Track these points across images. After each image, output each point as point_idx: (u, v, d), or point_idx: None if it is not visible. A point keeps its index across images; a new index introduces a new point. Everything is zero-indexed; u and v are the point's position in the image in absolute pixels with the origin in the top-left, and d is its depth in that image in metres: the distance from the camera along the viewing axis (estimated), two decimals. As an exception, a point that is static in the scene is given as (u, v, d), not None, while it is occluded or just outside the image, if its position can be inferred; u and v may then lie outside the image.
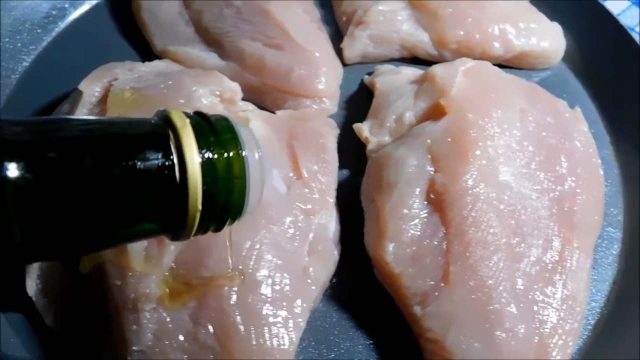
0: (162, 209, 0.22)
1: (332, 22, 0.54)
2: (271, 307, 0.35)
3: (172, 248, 0.35)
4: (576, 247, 0.39)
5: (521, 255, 0.38)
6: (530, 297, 0.37)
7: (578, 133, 0.45)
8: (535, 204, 0.40)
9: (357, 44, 0.49)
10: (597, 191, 0.43)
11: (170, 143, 0.22)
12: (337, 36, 0.52)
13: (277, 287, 0.36)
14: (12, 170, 0.19)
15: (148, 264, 0.35)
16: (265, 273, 0.35)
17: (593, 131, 0.47)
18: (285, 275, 0.36)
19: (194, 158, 0.22)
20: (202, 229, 0.24)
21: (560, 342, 0.36)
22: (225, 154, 0.23)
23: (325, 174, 0.41)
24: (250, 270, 0.35)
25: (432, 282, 0.36)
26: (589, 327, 0.39)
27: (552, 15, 0.52)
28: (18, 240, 0.20)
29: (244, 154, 0.24)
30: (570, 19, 0.53)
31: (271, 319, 0.35)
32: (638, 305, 0.39)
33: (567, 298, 0.38)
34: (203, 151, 0.23)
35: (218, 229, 0.24)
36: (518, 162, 0.41)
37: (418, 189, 0.39)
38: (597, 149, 0.45)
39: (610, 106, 0.49)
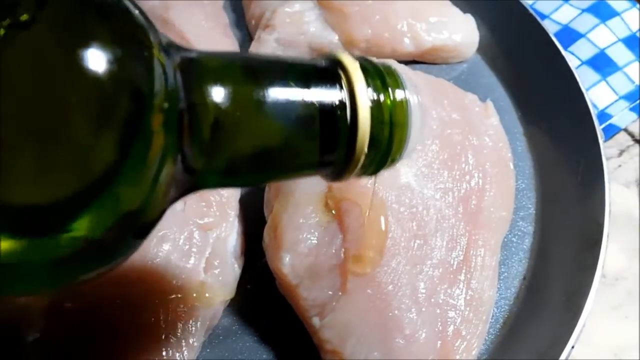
0: (329, 148, 0.23)
1: (243, 26, 0.53)
2: (162, 330, 0.34)
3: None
4: (481, 245, 0.39)
5: (423, 258, 0.37)
6: (432, 300, 0.36)
7: (487, 127, 0.44)
8: (439, 204, 0.39)
9: (265, 49, 0.48)
10: (506, 186, 0.42)
11: (343, 83, 0.23)
12: (249, 41, 0.51)
13: (170, 308, 0.35)
14: (216, 94, 0.21)
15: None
16: (156, 295, 0.35)
17: (507, 123, 0.47)
18: (178, 295, 0.35)
19: (365, 100, 0.22)
20: (362, 171, 0.24)
21: (464, 344, 0.36)
22: (391, 98, 0.23)
23: (225, 185, 0.40)
24: (139, 293, 0.34)
25: (329, 292, 0.36)
26: (498, 325, 0.39)
27: (465, 7, 0.52)
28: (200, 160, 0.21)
29: (408, 98, 0.24)
30: (484, 9, 0.52)
31: (162, 342, 0.34)
32: (546, 300, 0.39)
33: (472, 299, 0.37)
34: (371, 93, 0.23)
35: (374, 172, 0.25)
36: (420, 162, 0.40)
37: (316, 197, 0.38)
38: (510, 141, 0.45)
39: (523, 97, 0.49)
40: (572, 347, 0.35)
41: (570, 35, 0.53)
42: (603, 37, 0.52)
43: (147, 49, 0.20)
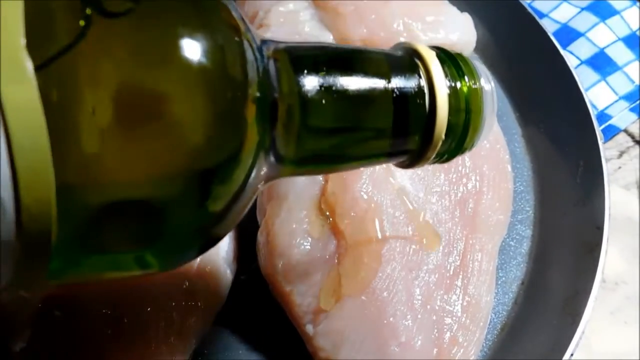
0: (407, 135, 0.24)
1: (237, 25, 0.52)
2: (152, 338, 0.33)
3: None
4: (479, 249, 0.38)
5: (419, 263, 0.36)
6: (428, 306, 0.36)
7: (485, 129, 0.43)
8: (435, 207, 0.38)
9: (258, 48, 0.48)
10: (503, 189, 0.41)
11: (421, 72, 0.23)
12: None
13: (160, 316, 0.34)
14: (307, 84, 0.22)
15: (18, 301, 0.33)
16: (146, 302, 0.34)
17: (505, 124, 0.46)
18: (169, 302, 0.34)
19: (443, 87, 0.23)
20: (436, 158, 0.25)
21: (461, 351, 0.35)
22: (468, 85, 0.24)
23: (217, 189, 0.39)
24: (128, 301, 0.34)
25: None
26: (496, 332, 0.38)
27: (463, 6, 0.51)
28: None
29: (482, 86, 0.24)
30: (482, 8, 0.51)
31: (153, 349, 0.33)
32: (544, 305, 0.38)
33: (469, 304, 0.36)
34: (447, 81, 0.23)
35: (446, 160, 0.25)
36: (416, 165, 0.39)
37: (309, 201, 0.37)
38: (507, 143, 0.44)
39: (521, 98, 0.48)
40: (572, 354, 0.34)
41: (569, 34, 0.52)
42: (603, 36, 0.51)
43: (242, 38, 0.21)
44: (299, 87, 0.22)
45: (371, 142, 0.24)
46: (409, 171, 0.39)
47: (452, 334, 0.35)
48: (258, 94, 0.21)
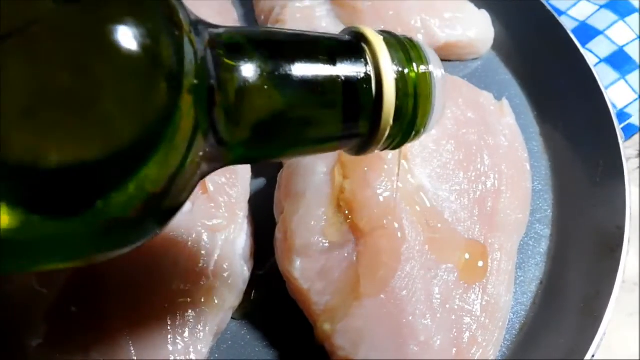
0: (354, 120, 0.24)
1: (253, 21, 0.51)
2: (170, 336, 0.33)
3: (62, 276, 0.33)
4: (497, 248, 0.38)
5: (438, 262, 0.36)
6: (447, 306, 0.35)
7: (503, 127, 0.43)
8: (454, 206, 0.38)
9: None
10: (522, 187, 0.41)
11: (367, 57, 0.23)
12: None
13: (177, 313, 0.34)
14: (245, 70, 0.21)
15: (35, 295, 0.33)
16: (164, 299, 0.34)
17: (522, 123, 0.45)
18: (187, 299, 0.34)
19: (390, 73, 0.23)
20: (387, 144, 0.25)
21: (480, 351, 0.35)
22: (415, 71, 0.24)
23: (234, 186, 0.38)
24: (145, 299, 0.33)
25: (342, 297, 0.35)
26: (514, 331, 0.38)
27: (480, 3, 0.50)
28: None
29: (431, 71, 0.24)
30: (499, 5, 0.51)
31: (170, 348, 0.33)
32: (564, 306, 0.38)
33: (488, 304, 0.36)
34: (395, 66, 0.23)
35: (398, 146, 0.25)
36: (435, 162, 0.39)
37: (327, 198, 0.37)
38: (525, 141, 0.44)
39: (540, 96, 0.47)
40: (593, 355, 0.34)
41: (588, 32, 0.51)
42: (622, 34, 0.50)
43: (177, 28, 0.20)
44: (237, 73, 0.21)
45: (317, 128, 0.24)
46: (428, 169, 0.38)
47: (471, 333, 0.35)
48: (195, 81, 0.20)
